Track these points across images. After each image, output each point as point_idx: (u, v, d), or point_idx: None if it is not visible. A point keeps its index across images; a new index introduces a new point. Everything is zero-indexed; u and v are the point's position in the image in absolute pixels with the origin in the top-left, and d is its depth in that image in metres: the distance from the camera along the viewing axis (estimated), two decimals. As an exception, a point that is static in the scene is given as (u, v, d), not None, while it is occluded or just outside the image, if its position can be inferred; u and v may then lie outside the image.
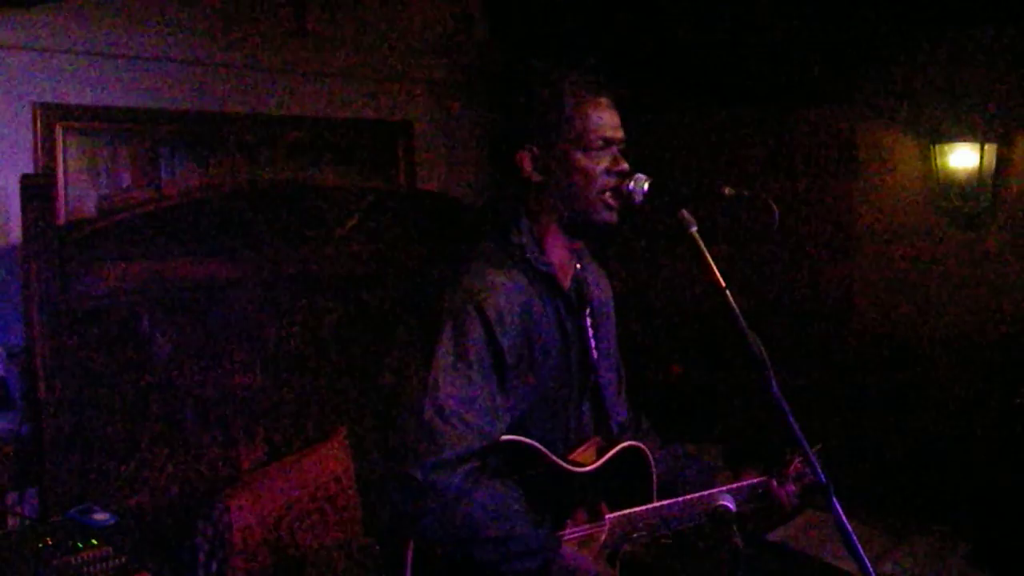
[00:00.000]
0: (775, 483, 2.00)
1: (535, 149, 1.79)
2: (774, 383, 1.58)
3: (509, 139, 1.81)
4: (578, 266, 1.91)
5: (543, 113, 1.78)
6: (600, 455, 1.87)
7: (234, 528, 2.90)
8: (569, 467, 1.80)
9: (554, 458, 1.76)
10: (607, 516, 1.81)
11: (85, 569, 2.34)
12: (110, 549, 2.41)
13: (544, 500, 1.74)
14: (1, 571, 2.28)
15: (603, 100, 1.79)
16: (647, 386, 4.27)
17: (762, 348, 1.59)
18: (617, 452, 1.89)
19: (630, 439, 1.96)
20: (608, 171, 1.77)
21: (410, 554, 1.65)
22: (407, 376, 1.70)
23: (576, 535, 1.79)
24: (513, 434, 1.71)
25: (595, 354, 1.91)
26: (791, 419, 1.60)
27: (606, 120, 1.78)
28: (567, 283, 1.86)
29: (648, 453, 1.94)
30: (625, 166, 1.78)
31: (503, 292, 1.71)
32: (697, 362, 4.45)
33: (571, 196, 1.78)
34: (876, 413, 4.15)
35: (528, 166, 1.79)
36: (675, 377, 4.43)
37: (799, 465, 2.07)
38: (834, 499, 1.58)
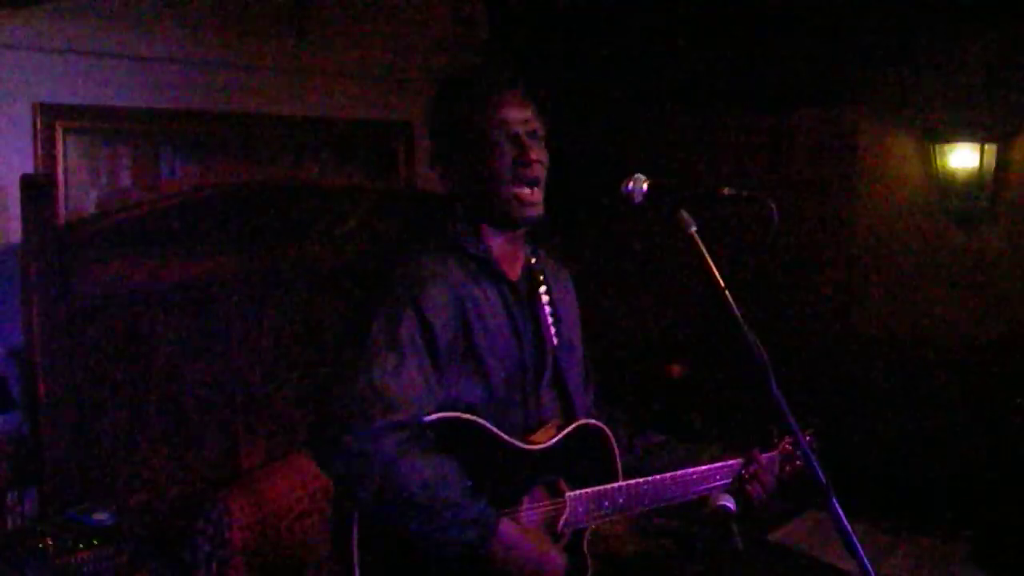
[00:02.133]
0: (753, 464, 1.99)
1: (447, 161, 1.85)
2: (773, 383, 1.58)
3: (434, 148, 1.88)
4: (532, 260, 1.93)
5: (451, 120, 1.83)
6: (558, 434, 1.86)
7: (234, 528, 2.90)
8: (520, 444, 1.77)
9: (501, 435, 1.73)
10: (567, 495, 1.79)
11: (85, 569, 2.34)
12: (110, 549, 2.41)
13: (495, 478, 1.71)
14: (1, 571, 2.28)
15: (506, 96, 1.79)
16: (647, 386, 4.28)
17: (761, 348, 1.59)
18: (573, 430, 1.86)
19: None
20: (514, 162, 1.76)
21: (355, 530, 1.64)
22: (341, 354, 1.71)
23: (534, 513, 1.77)
24: (455, 412, 1.71)
25: (555, 340, 1.91)
26: (791, 419, 1.60)
27: (508, 115, 1.78)
28: (514, 272, 1.87)
29: (608, 432, 1.91)
30: (534, 155, 1.77)
31: (435, 277, 1.73)
32: (697, 362, 4.45)
33: (483, 199, 1.80)
34: (876, 413, 4.15)
35: (449, 171, 1.86)
36: (675, 377, 4.43)
37: (788, 448, 2.07)
38: (833, 499, 1.58)
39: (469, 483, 1.65)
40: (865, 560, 1.55)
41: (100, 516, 2.55)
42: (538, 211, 1.80)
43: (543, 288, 1.93)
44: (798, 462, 2.09)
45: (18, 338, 2.89)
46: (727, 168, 4.47)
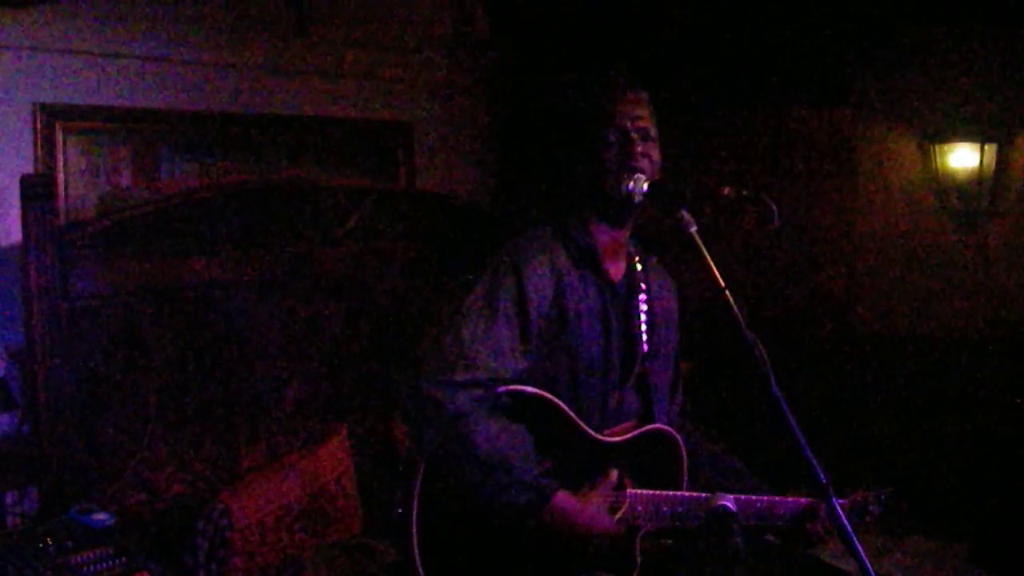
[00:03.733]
0: (822, 510, 1.97)
1: (565, 146, 1.92)
2: (774, 383, 1.59)
3: (549, 142, 1.98)
4: (639, 267, 1.99)
5: (570, 114, 1.93)
6: (631, 432, 1.91)
7: (234, 528, 2.89)
8: (593, 433, 1.82)
9: (578, 421, 1.80)
10: (629, 491, 1.82)
11: (85, 569, 2.33)
12: (110, 549, 2.41)
13: (563, 459, 1.77)
14: (1, 571, 2.28)
15: (626, 96, 1.89)
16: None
17: (762, 348, 1.59)
18: (646, 432, 1.91)
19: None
20: (619, 153, 1.84)
21: (419, 478, 1.70)
22: (442, 310, 1.85)
23: (596, 499, 1.80)
24: (540, 390, 1.77)
25: (645, 347, 1.96)
26: (791, 419, 1.60)
27: (623, 111, 1.86)
28: (617, 272, 1.94)
29: (680, 442, 1.96)
30: (639, 147, 1.83)
31: (540, 258, 1.82)
32: (697, 362, 4.45)
33: (589, 189, 1.88)
34: (876, 413, 4.15)
35: (562, 163, 1.93)
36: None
37: (857, 500, 2.07)
38: (834, 499, 1.58)
39: (533, 452, 1.71)
40: (865, 560, 1.55)
41: (100, 516, 2.54)
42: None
43: (643, 296, 1.98)
44: (868, 518, 2.11)
45: (18, 338, 2.89)
46: (727, 168, 4.47)
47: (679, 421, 2.14)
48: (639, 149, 1.83)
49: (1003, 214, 3.86)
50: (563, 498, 1.69)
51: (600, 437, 1.84)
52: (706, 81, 4.40)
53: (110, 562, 2.38)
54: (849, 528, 1.55)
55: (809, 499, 2.01)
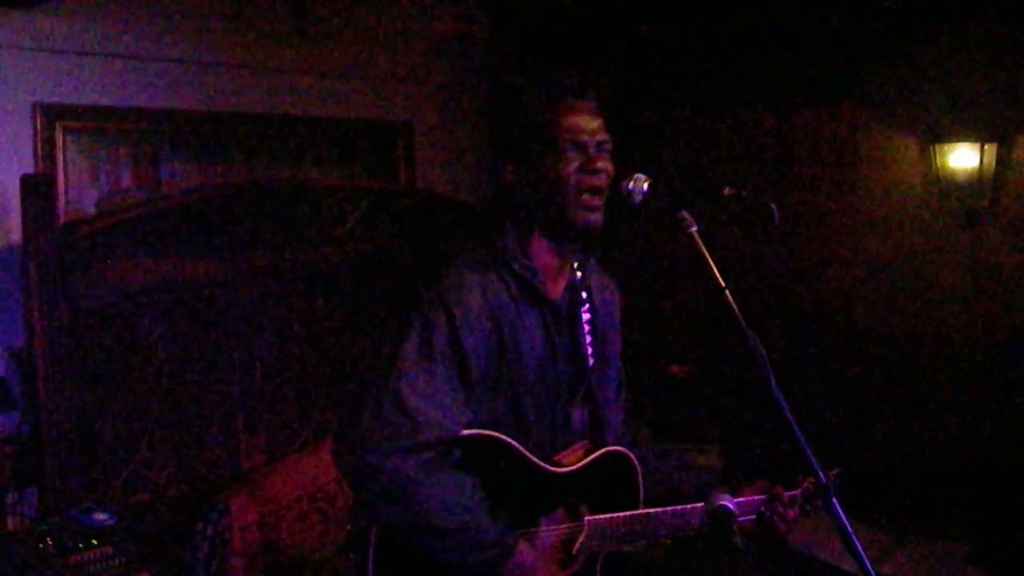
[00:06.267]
0: (777, 503, 1.96)
1: (513, 158, 1.81)
2: (773, 383, 1.58)
3: (495, 149, 1.86)
4: (578, 274, 1.92)
5: (519, 123, 1.80)
6: (585, 458, 1.87)
7: (234, 528, 2.90)
8: (545, 465, 1.79)
9: (528, 455, 1.75)
10: (586, 518, 1.81)
11: (85, 569, 2.34)
12: (110, 549, 2.41)
13: (517, 496, 1.74)
14: (1, 571, 2.28)
15: (578, 104, 1.78)
16: (647, 386, 4.28)
17: (761, 348, 1.59)
18: (599, 456, 1.87)
19: (619, 445, 1.94)
20: (580, 169, 1.75)
21: (372, 543, 1.66)
22: (374, 362, 1.73)
23: (552, 534, 1.79)
24: (484, 430, 1.72)
25: (591, 361, 1.91)
26: (790, 419, 1.60)
27: (579, 123, 1.76)
28: (557, 291, 1.87)
29: (634, 460, 1.92)
30: (600, 164, 1.75)
31: (473, 294, 1.73)
32: (697, 362, 4.45)
33: (546, 200, 1.78)
34: (876, 413, 4.15)
35: (509, 176, 1.81)
36: (675, 377, 4.42)
37: (810, 487, 2.05)
38: (834, 499, 1.58)
39: (488, 502, 1.67)
40: (865, 560, 1.55)
41: (100, 516, 2.54)
42: (597, 219, 1.78)
43: (585, 306, 1.92)
44: (819, 503, 2.05)
45: (18, 338, 2.90)
46: (730, 168, 4.47)
47: (626, 421, 2.10)
48: (599, 165, 1.74)
49: (1003, 214, 3.86)
50: (522, 551, 1.69)
51: (553, 469, 1.80)
52: (709, 81, 4.40)
53: (110, 562, 2.38)
54: (850, 528, 1.55)
55: (761, 496, 1.98)
